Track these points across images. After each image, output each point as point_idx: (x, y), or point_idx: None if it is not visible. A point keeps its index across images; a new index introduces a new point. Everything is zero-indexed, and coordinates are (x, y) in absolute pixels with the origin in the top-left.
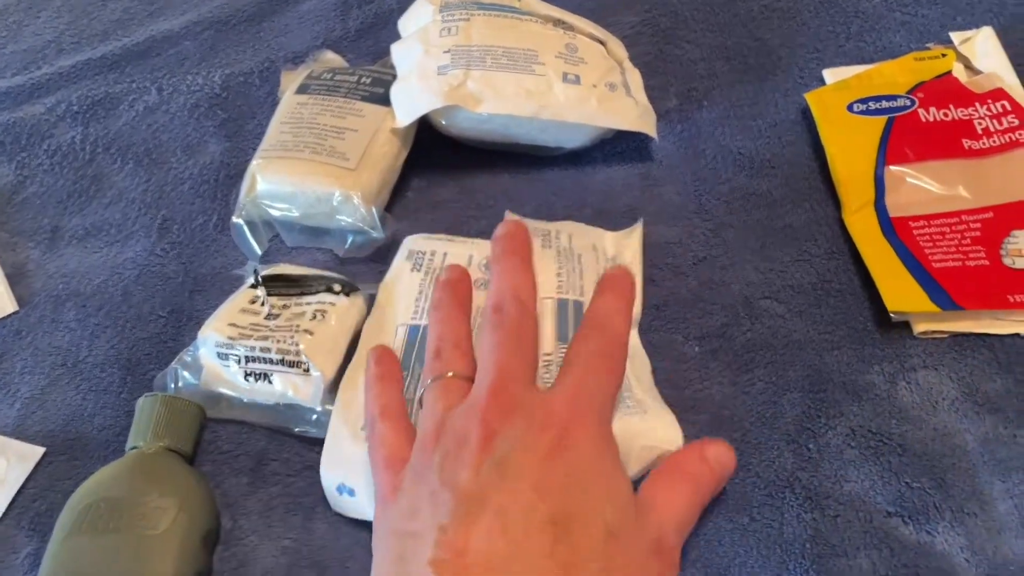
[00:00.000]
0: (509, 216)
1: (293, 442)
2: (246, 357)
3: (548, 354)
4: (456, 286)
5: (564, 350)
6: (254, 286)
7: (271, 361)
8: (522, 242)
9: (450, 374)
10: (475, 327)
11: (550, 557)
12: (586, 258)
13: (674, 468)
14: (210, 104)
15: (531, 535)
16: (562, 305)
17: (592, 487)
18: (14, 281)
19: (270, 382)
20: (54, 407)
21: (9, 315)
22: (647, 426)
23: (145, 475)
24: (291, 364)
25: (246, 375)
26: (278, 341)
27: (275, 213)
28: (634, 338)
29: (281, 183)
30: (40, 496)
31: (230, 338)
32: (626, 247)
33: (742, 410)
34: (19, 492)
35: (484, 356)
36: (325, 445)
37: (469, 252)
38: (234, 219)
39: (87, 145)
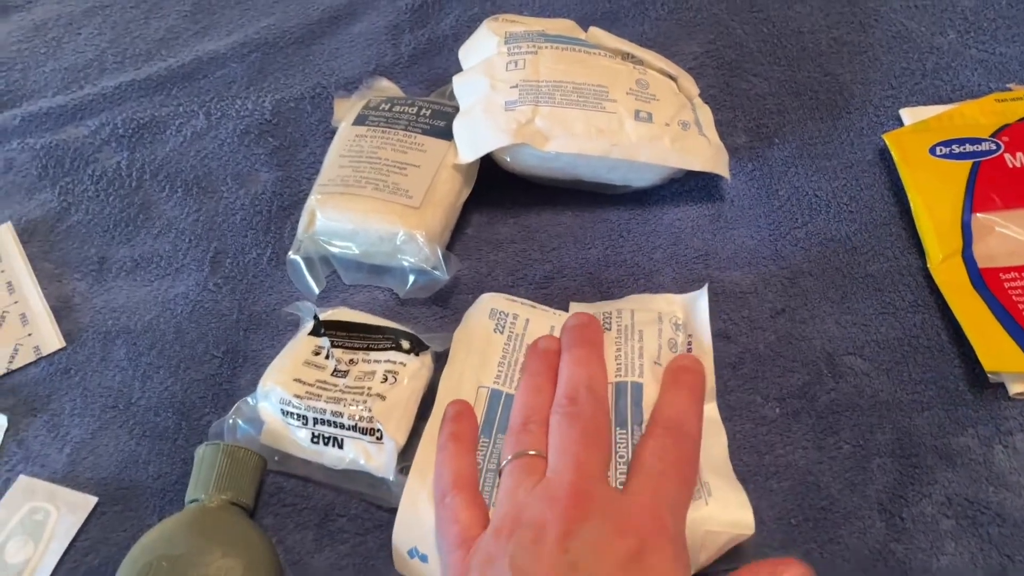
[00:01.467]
0: (576, 308)
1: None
2: (315, 419)
3: None
4: (552, 358)
5: (621, 435)
6: (315, 333)
7: (343, 426)
8: (594, 332)
9: (532, 452)
10: None
11: None
12: (648, 332)
13: None
14: (260, 131)
15: None
16: (620, 389)
17: None
18: (60, 315)
19: (340, 447)
20: (106, 452)
21: (56, 352)
22: (712, 510)
23: (208, 531)
24: (364, 431)
25: (313, 437)
26: (350, 405)
27: (334, 250)
28: (711, 411)
29: (342, 220)
30: (93, 549)
31: (296, 396)
32: (693, 314)
33: (828, 476)
34: (71, 545)
35: (561, 448)
36: (400, 506)
37: (551, 323)
38: (291, 255)
39: (133, 171)
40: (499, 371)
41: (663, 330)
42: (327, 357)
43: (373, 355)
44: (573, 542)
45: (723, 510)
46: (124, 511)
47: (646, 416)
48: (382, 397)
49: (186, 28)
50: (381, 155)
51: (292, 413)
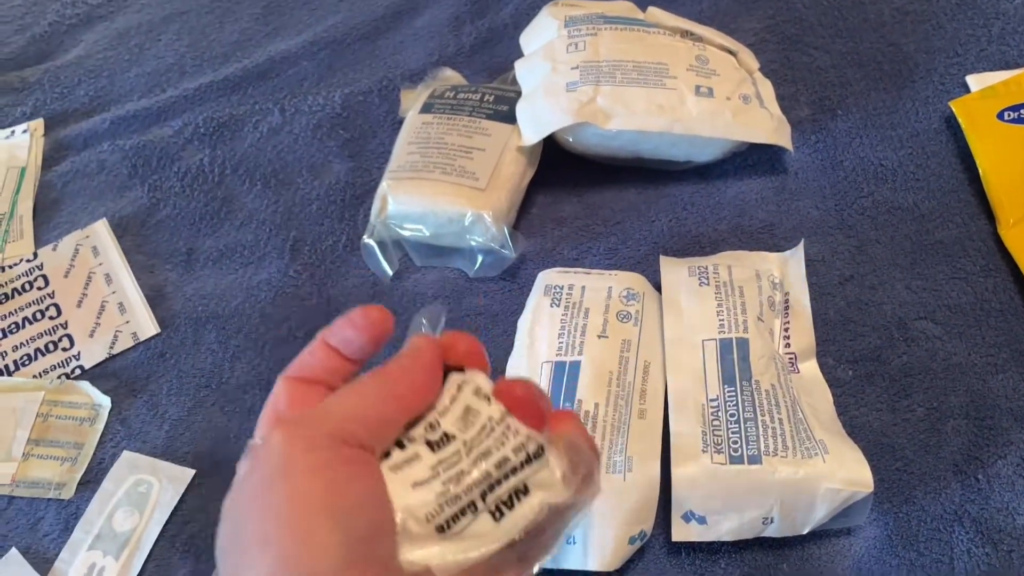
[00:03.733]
0: (667, 262)
1: None
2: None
3: (714, 399)
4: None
5: (731, 392)
6: None
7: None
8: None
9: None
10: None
11: None
12: (748, 289)
13: None
14: (332, 124)
15: None
16: (724, 345)
17: None
18: (154, 303)
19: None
20: (200, 429)
21: (152, 337)
22: (830, 467)
23: None
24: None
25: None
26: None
27: (405, 233)
28: (812, 369)
29: (412, 204)
30: (192, 518)
31: None
32: (790, 269)
33: (903, 438)
34: (172, 514)
35: None
36: None
37: (608, 284)
38: (365, 239)
39: (215, 167)
40: (560, 343)
41: (762, 287)
42: None
43: None
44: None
45: (840, 467)
46: (220, 483)
47: (754, 372)
48: None
49: (258, 30)
50: (448, 140)
51: None
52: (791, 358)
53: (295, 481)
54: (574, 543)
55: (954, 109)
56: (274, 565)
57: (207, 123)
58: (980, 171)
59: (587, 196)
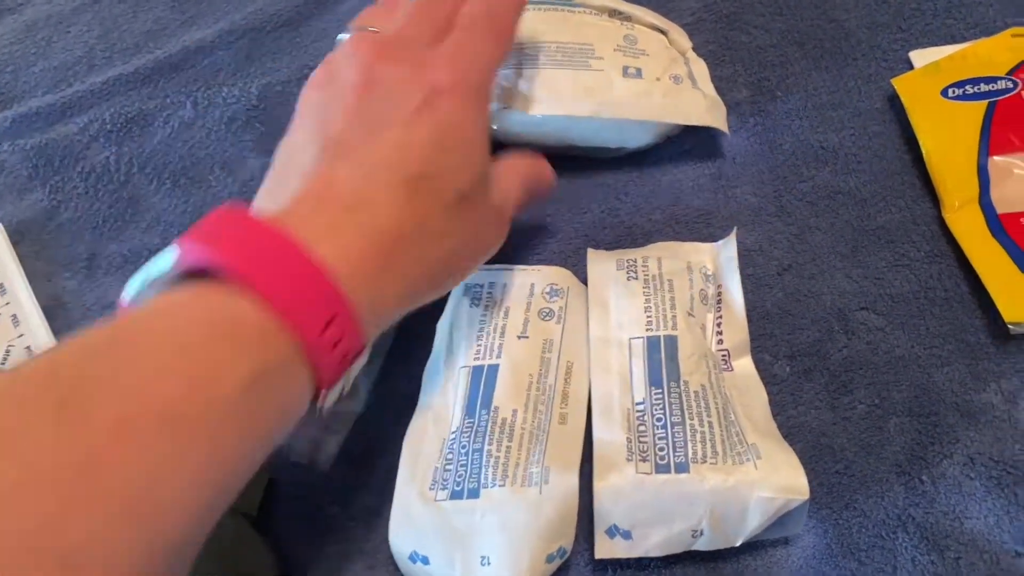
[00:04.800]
0: (594, 256)
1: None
2: None
3: (640, 403)
4: None
5: (658, 396)
6: None
7: None
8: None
9: (373, 29)
10: None
11: (404, 205)
12: (679, 282)
13: (520, 160)
14: (247, 117)
15: (389, 189)
16: (652, 343)
17: (452, 152)
18: (51, 315)
19: None
20: None
21: None
22: (763, 473)
23: (208, 543)
24: None
25: None
26: None
27: None
28: (746, 366)
29: None
30: None
31: None
32: (723, 261)
33: (843, 438)
34: None
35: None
36: (392, 510)
37: (531, 280)
38: None
39: (122, 165)
40: (478, 346)
41: (694, 280)
42: None
43: None
44: (372, 92)
45: (773, 473)
46: None
47: (683, 372)
48: None
49: (173, 19)
50: None
51: None
52: (724, 355)
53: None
54: (488, 564)
55: (896, 87)
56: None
57: (114, 119)
58: (923, 151)
59: None
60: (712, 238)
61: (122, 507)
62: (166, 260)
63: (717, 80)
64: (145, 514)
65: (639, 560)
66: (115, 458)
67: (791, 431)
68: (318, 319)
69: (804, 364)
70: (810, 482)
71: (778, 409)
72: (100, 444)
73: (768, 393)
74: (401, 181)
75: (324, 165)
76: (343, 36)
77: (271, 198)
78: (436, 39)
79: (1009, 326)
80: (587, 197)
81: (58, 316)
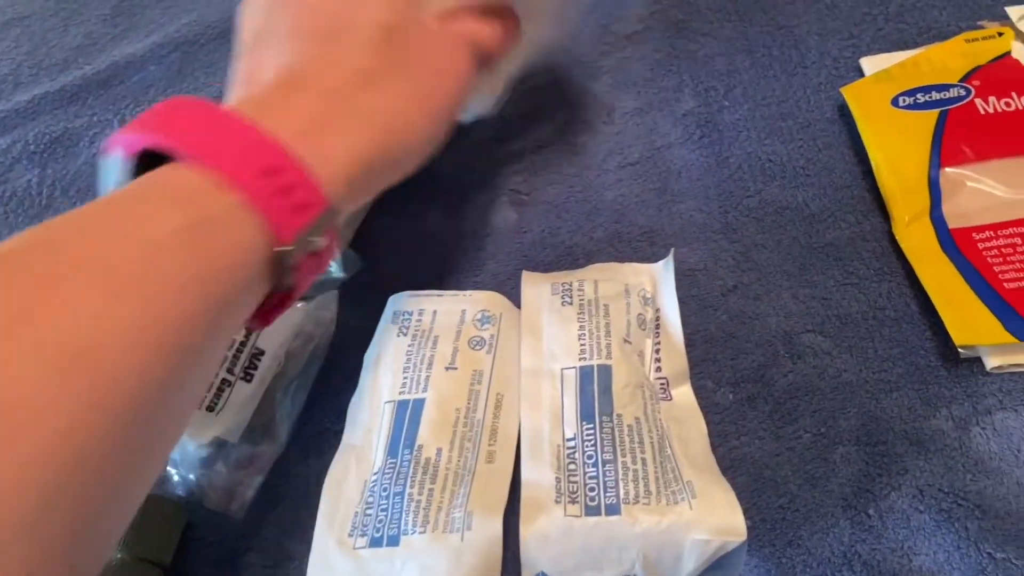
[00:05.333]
0: (529, 279)
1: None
2: None
3: (571, 439)
4: None
5: (589, 431)
6: None
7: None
8: None
9: None
10: None
11: (322, 59)
12: (615, 307)
13: None
14: None
15: (306, 49)
16: (585, 373)
17: None
18: None
19: None
20: None
21: None
22: (698, 514)
23: None
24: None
25: None
26: None
27: None
28: (685, 395)
29: None
30: None
31: None
32: (661, 283)
33: (787, 469)
34: None
35: None
36: (311, 554)
37: (462, 307)
38: None
39: (44, 188)
40: (404, 379)
41: (631, 304)
42: None
43: None
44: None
45: (710, 514)
46: None
47: (616, 405)
48: None
49: (105, 33)
50: None
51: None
52: (663, 383)
53: None
54: None
55: (845, 96)
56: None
57: (38, 139)
58: (872, 164)
59: (450, 207)
60: (655, 256)
61: (54, 358)
62: (113, 159)
63: (663, 90)
64: (78, 367)
65: None
66: (45, 311)
67: (733, 463)
68: (251, 166)
69: (748, 391)
70: (752, 517)
71: (720, 439)
72: (28, 299)
73: (709, 422)
74: (313, 39)
75: (249, 55)
76: None
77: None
78: None
79: (960, 349)
80: (527, 215)
81: None
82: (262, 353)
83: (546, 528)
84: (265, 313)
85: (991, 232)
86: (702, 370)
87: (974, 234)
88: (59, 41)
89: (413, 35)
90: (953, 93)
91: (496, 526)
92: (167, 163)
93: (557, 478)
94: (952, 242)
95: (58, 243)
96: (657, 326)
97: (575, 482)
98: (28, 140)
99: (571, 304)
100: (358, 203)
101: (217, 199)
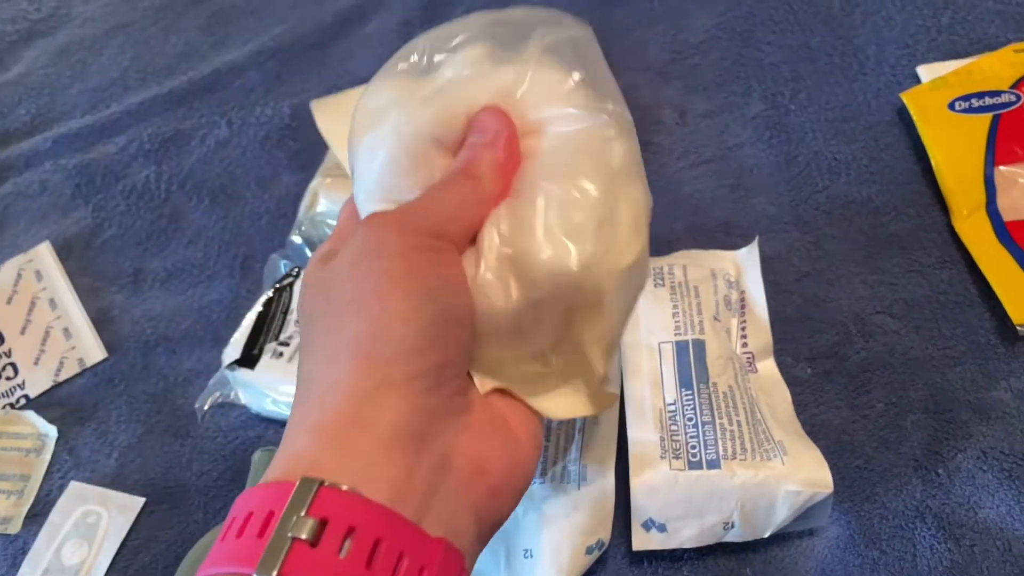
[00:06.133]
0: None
1: None
2: None
3: (672, 403)
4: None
5: (688, 396)
6: None
7: None
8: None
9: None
10: None
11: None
12: (704, 288)
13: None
14: (280, 135)
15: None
16: (681, 347)
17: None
18: (101, 327)
19: None
20: (151, 456)
21: (99, 363)
22: (789, 468)
23: None
24: None
25: None
26: None
27: None
28: (769, 368)
29: (342, 202)
30: (144, 547)
31: None
32: (746, 267)
33: (863, 435)
34: (122, 544)
35: None
36: None
37: None
38: (291, 237)
39: (162, 183)
40: None
41: (718, 286)
42: None
43: None
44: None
45: (800, 468)
46: (171, 509)
47: (711, 374)
48: None
49: (203, 41)
50: None
51: None
52: (749, 357)
53: (387, 259)
54: (531, 557)
55: (905, 101)
56: (362, 326)
57: (152, 138)
58: (932, 162)
59: None
60: (733, 247)
61: None
62: None
63: (732, 94)
64: None
65: (673, 552)
66: None
67: (813, 429)
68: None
69: (824, 366)
70: (833, 477)
71: (800, 408)
72: None
73: (791, 393)
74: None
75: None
76: None
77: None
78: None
79: (1018, 328)
80: None
81: (107, 328)
82: None
83: (653, 480)
84: None
85: None
86: (781, 347)
87: None
88: (161, 48)
89: None
90: (1004, 99)
91: (609, 477)
92: None
93: (661, 437)
94: (1007, 233)
95: None
96: (743, 306)
97: (677, 441)
98: (143, 139)
99: (663, 286)
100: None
101: None
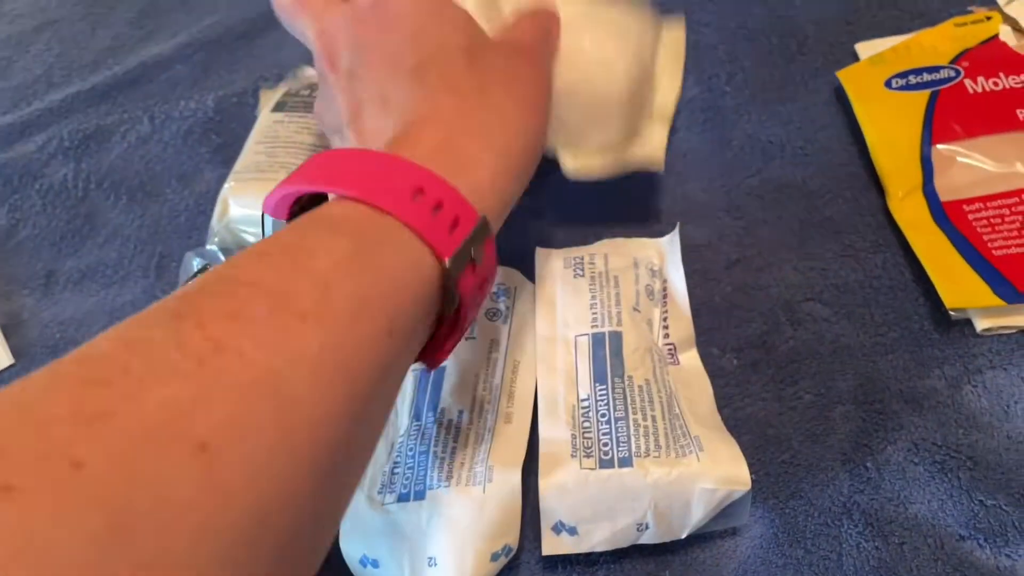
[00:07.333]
0: (543, 254)
1: None
2: None
3: (585, 399)
4: None
5: (602, 391)
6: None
7: None
8: None
9: None
10: None
11: (442, 93)
12: (624, 278)
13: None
14: (204, 129)
15: (407, 87)
16: (597, 340)
17: (432, 26)
18: (9, 332)
19: None
20: None
21: (5, 369)
22: (705, 466)
23: None
24: None
25: None
26: None
27: (250, 239)
28: (691, 359)
29: (255, 207)
30: None
31: None
32: (668, 255)
33: (789, 428)
34: None
35: None
36: None
37: None
38: (208, 246)
39: (79, 182)
40: None
41: (640, 275)
42: None
43: None
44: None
45: (716, 465)
46: None
47: (627, 367)
48: None
49: (132, 34)
50: (298, 139)
51: None
52: (670, 349)
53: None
54: (435, 565)
55: (841, 79)
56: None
57: (72, 136)
58: (867, 142)
59: None
60: (662, 234)
61: (252, 390)
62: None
63: None
64: (274, 397)
65: (588, 556)
66: (235, 346)
67: (738, 423)
68: (398, 191)
69: (751, 356)
70: (756, 472)
71: (725, 401)
72: (217, 335)
73: (715, 385)
74: (406, 74)
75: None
76: None
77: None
78: None
79: (950, 312)
80: (541, 197)
81: (15, 333)
82: None
83: (563, 480)
84: (439, 345)
85: (981, 204)
86: (707, 338)
87: (964, 206)
88: (88, 43)
89: (490, 51)
90: (943, 74)
91: (515, 478)
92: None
93: (572, 435)
94: (944, 214)
95: (238, 279)
96: (664, 296)
97: (589, 438)
98: (63, 136)
99: (583, 276)
100: (504, 213)
101: (375, 223)
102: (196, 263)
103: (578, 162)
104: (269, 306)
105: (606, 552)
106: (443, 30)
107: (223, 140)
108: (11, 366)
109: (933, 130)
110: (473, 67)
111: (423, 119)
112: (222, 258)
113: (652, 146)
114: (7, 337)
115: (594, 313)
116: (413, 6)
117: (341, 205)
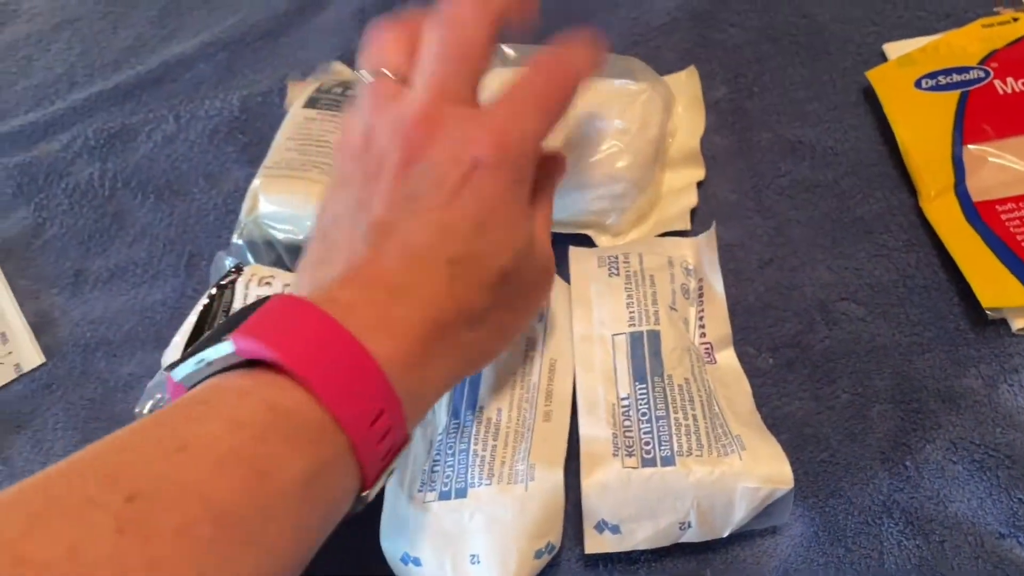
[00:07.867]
0: (577, 254)
1: None
2: None
3: (625, 398)
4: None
5: (642, 390)
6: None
7: None
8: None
9: (388, 72)
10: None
11: (447, 291)
12: (660, 277)
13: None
14: (230, 128)
15: (430, 271)
16: (635, 339)
17: (493, 232)
18: (39, 331)
19: None
20: None
21: (37, 368)
22: (747, 464)
23: None
24: None
25: None
26: None
27: (278, 235)
28: (729, 359)
29: (285, 204)
30: None
31: None
32: (703, 255)
33: (827, 427)
34: None
35: (422, 65)
36: (383, 511)
37: None
38: (234, 239)
39: (106, 181)
40: None
41: (675, 275)
42: None
43: None
44: (413, 169)
45: (758, 464)
46: None
47: (667, 366)
48: None
49: (154, 34)
50: (329, 139)
51: None
52: (707, 348)
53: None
54: (478, 563)
55: (871, 79)
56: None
57: (97, 135)
58: (899, 142)
59: None
60: (693, 235)
61: None
62: (221, 350)
63: None
64: None
65: (629, 554)
66: (175, 566)
67: (776, 422)
68: (367, 415)
69: (787, 355)
70: (795, 471)
71: (762, 400)
72: (161, 554)
73: (752, 385)
74: (444, 264)
75: (367, 247)
76: (364, 73)
77: (313, 276)
78: (473, 90)
79: (987, 311)
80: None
81: (46, 332)
82: None
83: (605, 479)
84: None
85: (1013, 204)
86: (743, 337)
87: (997, 206)
88: (109, 42)
89: (523, 275)
90: (973, 75)
91: (558, 477)
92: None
93: (613, 434)
94: (976, 214)
95: (190, 489)
96: (700, 295)
97: (631, 437)
98: (88, 135)
99: (618, 275)
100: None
101: (333, 441)
102: (228, 262)
103: (615, 240)
104: (218, 526)
105: (647, 550)
106: (504, 239)
107: (249, 139)
108: (42, 365)
109: (964, 131)
110: (498, 289)
111: (422, 303)
112: (249, 255)
113: (680, 206)
114: (38, 336)
115: (631, 312)
116: (496, 199)
117: (306, 401)
